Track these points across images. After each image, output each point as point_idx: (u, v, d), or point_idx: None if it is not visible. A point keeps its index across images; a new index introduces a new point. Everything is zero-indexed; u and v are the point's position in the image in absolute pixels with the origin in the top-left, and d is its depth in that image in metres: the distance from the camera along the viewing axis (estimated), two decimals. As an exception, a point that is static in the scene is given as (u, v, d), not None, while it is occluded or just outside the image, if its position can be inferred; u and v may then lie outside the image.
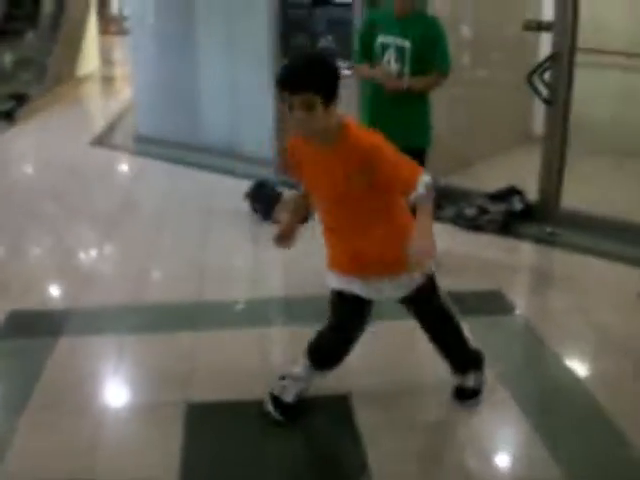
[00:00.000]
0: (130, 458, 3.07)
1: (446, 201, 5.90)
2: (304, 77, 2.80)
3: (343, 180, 2.91)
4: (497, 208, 5.56)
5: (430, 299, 3.26)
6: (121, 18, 20.25)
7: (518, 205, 5.64)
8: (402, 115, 4.53)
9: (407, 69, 4.48)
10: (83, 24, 13.96)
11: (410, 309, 3.29)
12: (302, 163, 3.05)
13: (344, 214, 3.05)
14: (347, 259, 3.13)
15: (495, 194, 5.74)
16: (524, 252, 5.39)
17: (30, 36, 12.23)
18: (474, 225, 5.52)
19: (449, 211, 5.76)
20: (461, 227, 5.56)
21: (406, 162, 2.90)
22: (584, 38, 5.49)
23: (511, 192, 5.74)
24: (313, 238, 4.79)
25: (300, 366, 3.32)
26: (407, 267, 3.00)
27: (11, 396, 3.52)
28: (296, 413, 3.31)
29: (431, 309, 3.30)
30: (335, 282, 3.21)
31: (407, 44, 4.45)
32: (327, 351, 3.32)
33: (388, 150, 2.91)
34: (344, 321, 3.27)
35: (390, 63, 4.52)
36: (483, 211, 5.56)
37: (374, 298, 3.19)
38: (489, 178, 6.25)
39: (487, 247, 5.28)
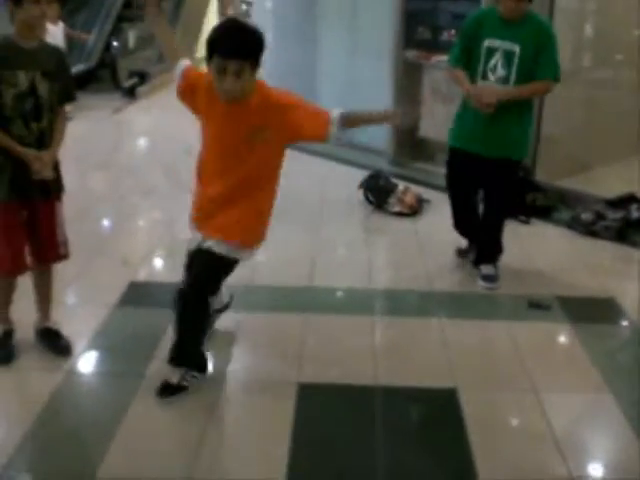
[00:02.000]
0: (244, 430, 3.21)
1: (560, 204, 5.85)
2: (244, 46, 2.96)
3: (246, 134, 3.11)
4: (614, 215, 5.46)
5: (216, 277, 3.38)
6: (239, 1, 20.60)
7: (636, 213, 5.51)
8: (502, 124, 4.35)
9: (514, 75, 4.29)
10: (204, 6, 14.27)
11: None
12: (204, 103, 3.16)
13: (230, 170, 3.18)
14: (209, 209, 3.28)
15: (613, 200, 5.63)
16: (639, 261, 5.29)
17: (153, 16, 12.55)
18: (590, 230, 5.43)
19: (565, 215, 5.70)
20: (576, 232, 5.48)
21: (313, 106, 3.20)
22: None
23: (630, 199, 5.61)
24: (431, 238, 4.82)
25: None
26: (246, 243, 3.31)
27: (132, 363, 3.68)
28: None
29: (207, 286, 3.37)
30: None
31: (517, 48, 4.25)
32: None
33: (294, 98, 3.18)
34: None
35: (496, 68, 4.33)
36: (600, 217, 5.46)
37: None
38: (608, 184, 6.12)
39: (602, 254, 5.20)
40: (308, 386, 3.48)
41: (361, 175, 6.16)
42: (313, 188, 6.51)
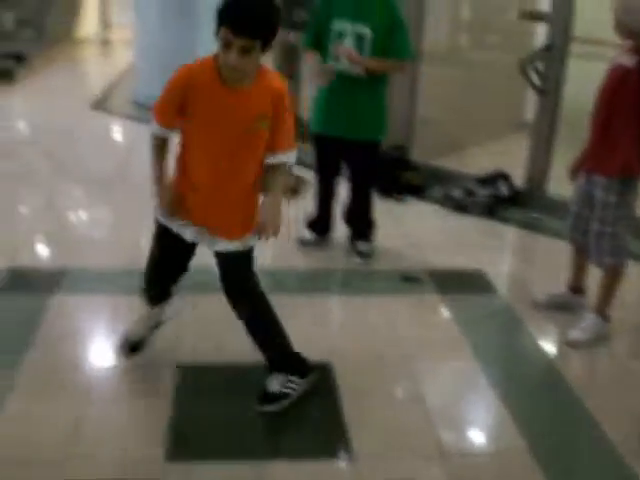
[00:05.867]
0: (121, 414, 3.23)
1: (434, 182, 6.05)
2: (256, 23, 2.70)
3: (248, 121, 2.91)
4: (484, 192, 5.70)
5: (245, 267, 3.25)
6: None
7: (505, 190, 5.77)
8: (357, 105, 4.43)
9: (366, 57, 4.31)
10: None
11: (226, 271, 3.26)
12: (197, 98, 2.89)
13: (227, 160, 2.96)
14: (201, 207, 3.07)
15: (483, 178, 5.87)
16: (508, 235, 5.52)
17: (30, -4, 12.21)
18: (460, 207, 5.66)
19: (437, 192, 5.90)
20: (448, 208, 5.69)
21: (292, 123, 3.03)
22: (580, 28, 5.58)
23: (499, 177, 5.86)
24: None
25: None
26: (248, 232, 3.11)
27: (7, 351, 3.64)
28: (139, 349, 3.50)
29: (241, 278, 3.27)
30: (167, 221, 3.17)
31: (365, 31, 4.25)
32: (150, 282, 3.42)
33: (289, 100, 3.00)
34: (165, 256, 3.32)
35: None
36: (470, 194, 5.70)
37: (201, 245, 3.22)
38: (479, 162, 6.36)
39: (472, 229, 5.43)
40: (187, 367, 3.53)
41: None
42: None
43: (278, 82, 2.98)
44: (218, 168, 3.00)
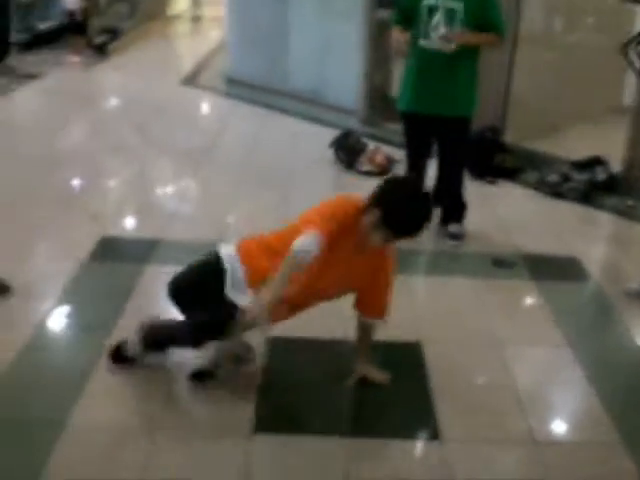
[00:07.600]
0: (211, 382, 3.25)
1: (529, 165, 5.92)
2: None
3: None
4: (580, 177, 5.55)
5: None
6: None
7: (601, 175, 5.61)
8: (446, 82, 4.38)
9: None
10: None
11: None
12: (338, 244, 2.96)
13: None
14: None
15: (579, 162, 5.72)
16: (603, 222, 5.38)
17: (125, -29, 12.38)
18: (556, 192, 5.52)
19: (531, 176, 5.77)
20: (542, 193, 5.56)
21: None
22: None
23: (595, 162, 5.70)
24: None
25: None
26: None
27: (102, 316, 3.71)
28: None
29: None
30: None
31: (458, 5, 4.21)
32: None
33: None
34: None
35: (439, 27, 4.26)
36: (566, 179, 5.55)
37: None
38: (575, 146, 6.20)
39: (567, 215, 5.29)
40: (277, 340, 3.52)
41: (332, 134, 6.18)
42: (284, 146, 6.53)
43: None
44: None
